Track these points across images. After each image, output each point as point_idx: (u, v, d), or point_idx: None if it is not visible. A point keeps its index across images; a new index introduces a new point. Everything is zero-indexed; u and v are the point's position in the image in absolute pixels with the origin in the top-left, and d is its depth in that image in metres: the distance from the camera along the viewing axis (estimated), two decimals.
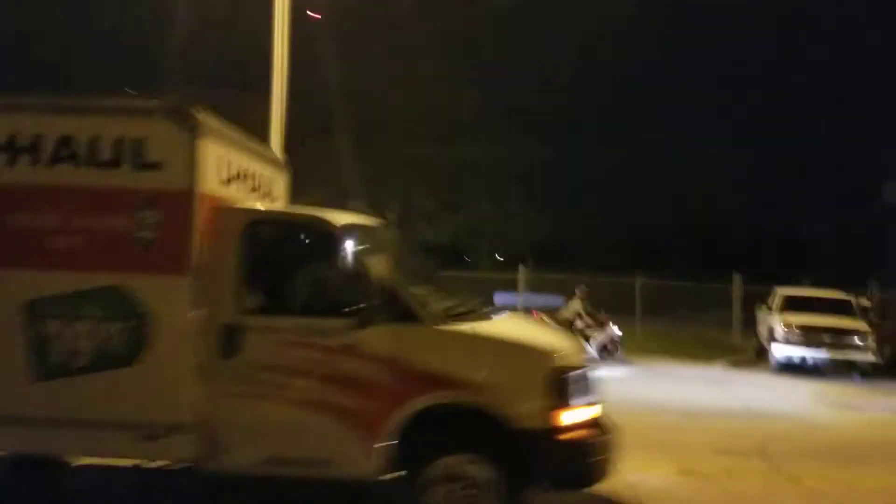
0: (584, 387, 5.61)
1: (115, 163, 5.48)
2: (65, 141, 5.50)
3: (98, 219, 5.48)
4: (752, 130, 36.08)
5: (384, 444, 5.39)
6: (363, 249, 5.56)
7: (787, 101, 36.42)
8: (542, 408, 5.37)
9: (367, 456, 5.41)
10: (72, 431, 5.51)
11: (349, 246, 5.59)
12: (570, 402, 5.45)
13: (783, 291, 17.23)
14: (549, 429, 5.37)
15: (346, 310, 5.39)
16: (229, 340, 5.47)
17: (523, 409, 5.36)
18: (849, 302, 16.63)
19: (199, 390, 5.43)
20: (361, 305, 5.35)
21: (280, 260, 5.85)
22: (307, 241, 5.90)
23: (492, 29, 32.22)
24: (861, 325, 15.58)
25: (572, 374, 5.49)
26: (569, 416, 5.43)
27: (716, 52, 35.34)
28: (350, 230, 5.72)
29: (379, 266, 5.39)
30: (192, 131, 5.44)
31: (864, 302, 17.40)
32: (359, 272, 5.49)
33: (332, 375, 5.42)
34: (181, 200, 5.44)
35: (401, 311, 5.43)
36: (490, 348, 5.52)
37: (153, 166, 5.46)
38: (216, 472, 5.56)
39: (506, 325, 5.98)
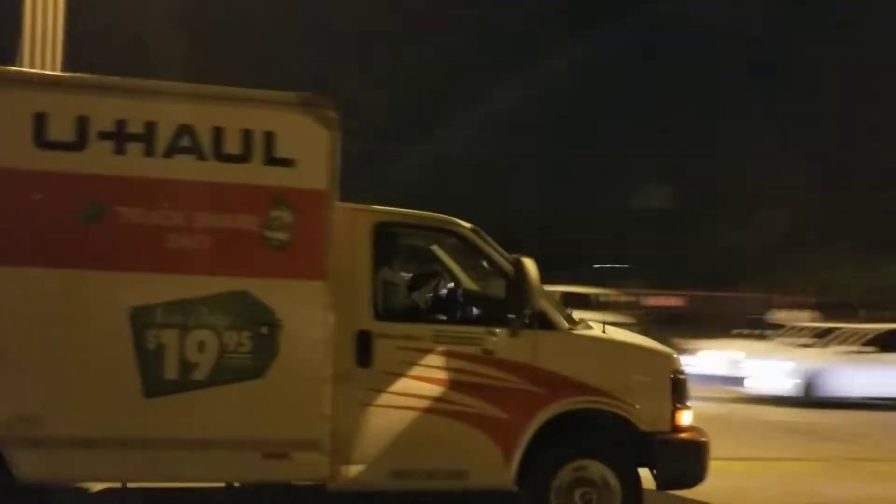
0: (689, 388, 5.89)
1: (243, 157, 5.02)
2: (184, 130, 4.96)
3: (223, 217, 4.99)
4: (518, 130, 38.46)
5: (520, 451, 5.36)
6: (503, 255, 5.47)
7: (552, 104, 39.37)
8: (667, 410, 5.58)
9: (506, 464, 5.34)
10: (186, 453, 4.96)
11: (485, 250, 5.50)
12: (686, 403, 5.71)
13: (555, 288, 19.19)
14: (673, 430, 5.59)
15: (502, 317, 5.31)
16: (364, 348, 5.19)
17: (651, 412, 5.53)
18: (608, 297, 19.10)
19: (334, 402, 5.10)
20: (518, 313, 5.26)
21: (409, 263, 5.62)
22: (439, 244, 5.71)
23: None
24: (625, 318, 17.51)
25: (685, 375, 5.76)
26: (685, 418, 5.69)
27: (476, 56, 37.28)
28: (478, 234, 5.62)
29: (524, 272, 5.29)
30: (330, 127, 5.11)
31: (622, 297, 19.86)
32: (505, 278, 5.40)
33: (473, 384, 5.30)
34: (316, 200, 5.09)
35: (539, 317, 5.41)
36: (622, 353, 5.66)
37: (285, 162, 5.06)
38: (343, 490, 5.24)
39: (612, 329, 6.10)
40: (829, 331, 14.97)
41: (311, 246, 5.07)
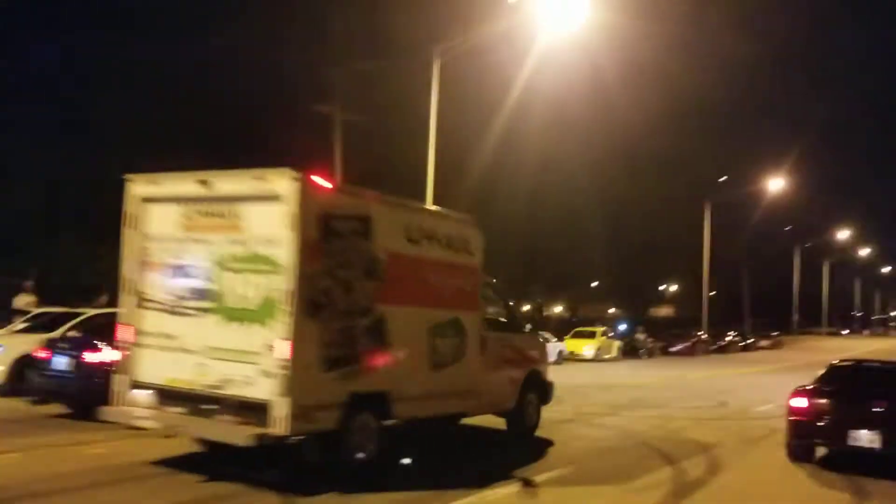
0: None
1: (458, 250, 10.03)
2: (447, 236, 9.75)
3: (453, 279, 9.90)
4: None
5: (518, 391, 11.48)
6: (506, 294, 11.55)
7: None
8: (547, 366, 12.40)
9: (513, 398, 11.39)
10: (445, 400, 9.73)
11: (500, 292, 11.50)
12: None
13: None
14: (547, 377, 12.42)
15: (518, 327, 11.37)
16: (484, 344, 10.63)
17: (545, 368, 12.28)
18: None
19: (479, 371, 10.43)
20: (536, 327, 11.39)
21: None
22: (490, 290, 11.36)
23: None
24: None
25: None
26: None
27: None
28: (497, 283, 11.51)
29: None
30: (481, 233, 10.48)
31: None
32: (506, 307, 11.53)
33: (510, 358, 11.26)
34: (476, 271, 10.40)
35: (528, 324, 11.64)
36: (541, 340, 12.24)
37: (470, 252, 10.25)
38: (473, 415, 10.58)
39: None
40: (62, 315, 14.23)
41: (475, 293, 10.36)
